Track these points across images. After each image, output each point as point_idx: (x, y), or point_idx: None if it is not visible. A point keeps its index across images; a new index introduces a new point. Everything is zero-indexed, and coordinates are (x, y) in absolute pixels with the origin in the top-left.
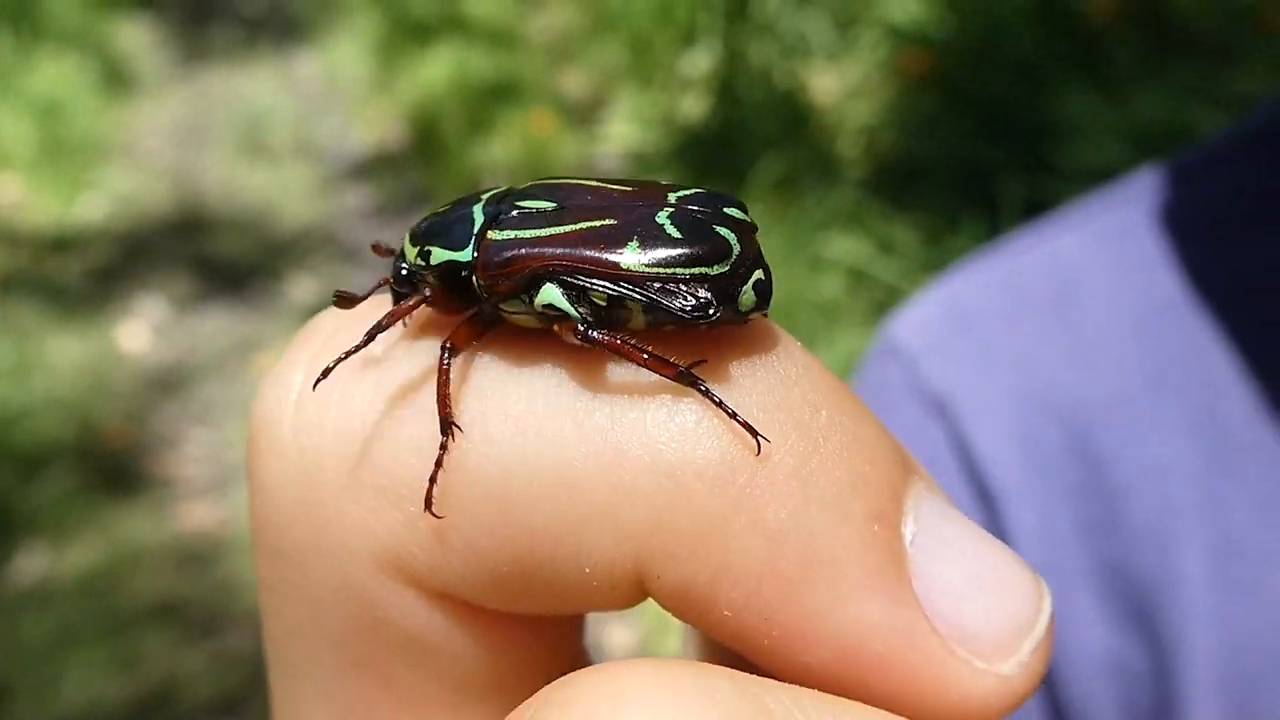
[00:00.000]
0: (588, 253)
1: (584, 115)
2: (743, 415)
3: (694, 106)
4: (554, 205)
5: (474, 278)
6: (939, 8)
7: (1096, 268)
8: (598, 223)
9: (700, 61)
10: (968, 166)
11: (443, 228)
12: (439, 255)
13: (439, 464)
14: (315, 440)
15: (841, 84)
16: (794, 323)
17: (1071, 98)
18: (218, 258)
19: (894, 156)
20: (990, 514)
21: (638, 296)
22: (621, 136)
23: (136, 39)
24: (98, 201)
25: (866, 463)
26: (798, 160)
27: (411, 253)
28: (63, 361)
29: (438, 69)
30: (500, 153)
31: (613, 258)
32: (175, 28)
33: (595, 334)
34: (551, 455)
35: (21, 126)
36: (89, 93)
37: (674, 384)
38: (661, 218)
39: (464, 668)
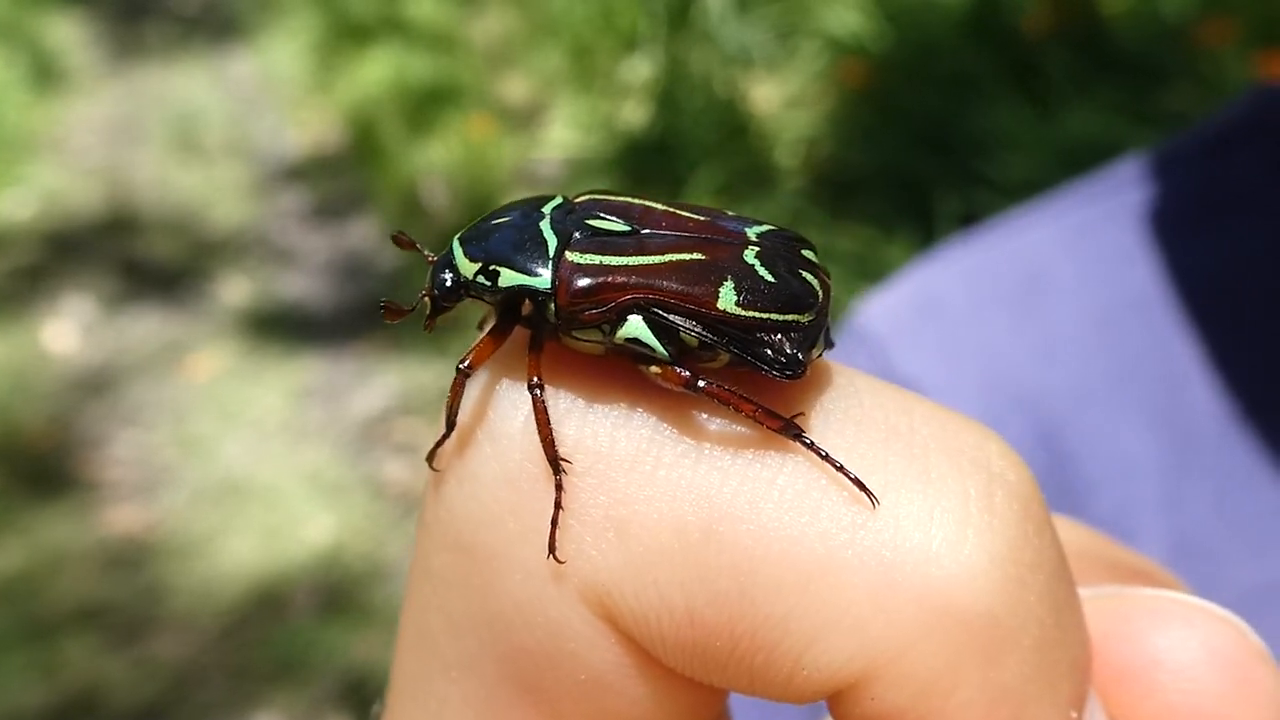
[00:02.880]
0: (684, 289)
1: (524, 120)
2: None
3: (634, 113)
4: (628, 228)
5: (550, 303)
6: (877, 21)
7: (1065, 261)
8: (687, 256)
9: (641, 69)
10: (904, 178)
11: (509, 245)
12: (510, 278)
13: (559, 504)
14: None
15: (781, 94)
16: None
17: (1005, 113)
18: (148, 257)
19: (832, 166)
20: None
21: (730, 348)
22: (561, 142)
23: (68, 34)
24: (25, 199)
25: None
26: (737, 168)
27: (470, 269)
28: None
29: (376, 71)
30: (439, 157)
31: (709, 298)
32: (108, 24)
33: (703, 383)
34: (819, 544)
35: None
36: (17, 88)
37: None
38: (750, 257)
39: (632, 714)
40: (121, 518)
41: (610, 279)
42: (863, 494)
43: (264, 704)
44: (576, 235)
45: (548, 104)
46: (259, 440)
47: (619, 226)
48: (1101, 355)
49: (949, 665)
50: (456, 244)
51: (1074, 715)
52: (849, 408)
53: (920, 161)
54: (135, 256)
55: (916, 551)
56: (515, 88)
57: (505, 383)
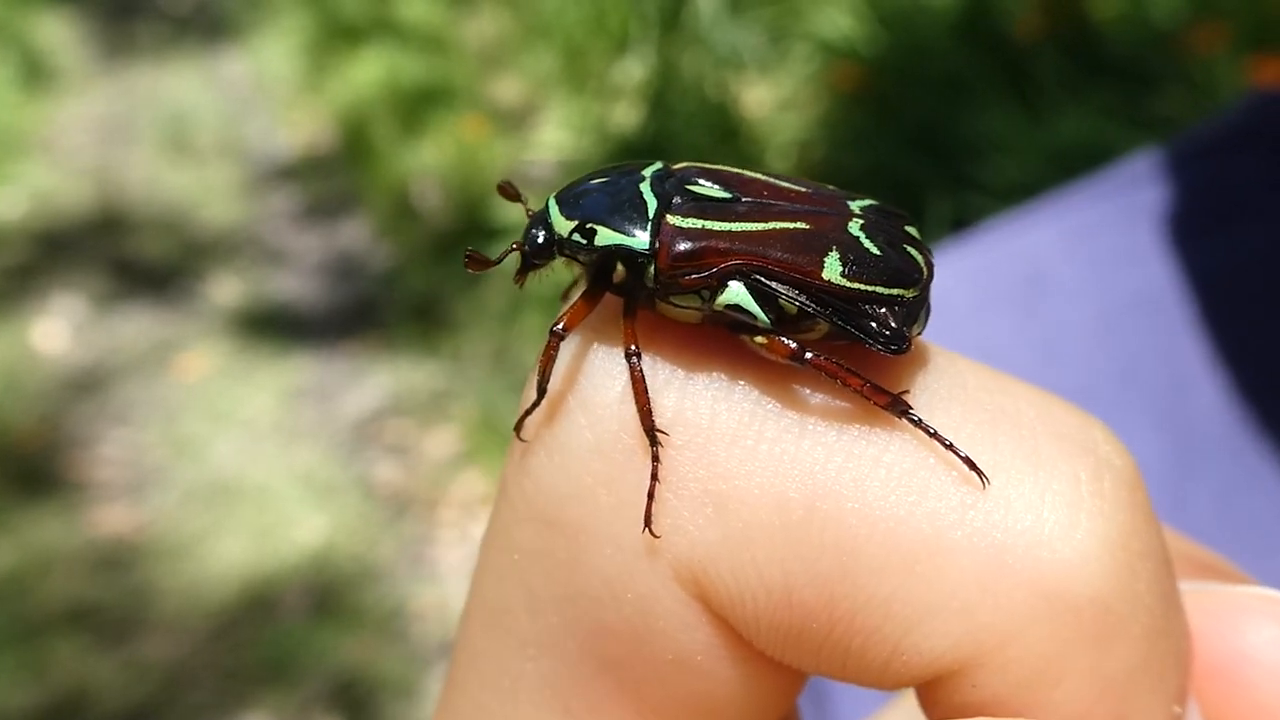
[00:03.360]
0: (788, 257)
1: (516, 122)
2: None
3: (626, 115)
4: (729, 195)
5: (650, 266)
6: (869, 24)
7: (1066, 262)
8: (790, 225)
9: (633, 71)
10: (895, 181)
11: (608, 205)
12: (608, 237)
13: (655, 477)
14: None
15: (773, 97)
16: None
17: (997, 116)
18: (139, 257)
19: (824, 169)
20: None
21: (834, 319)
22: (553, 144)
23: (59, 33)
24: (16, 198)
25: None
26: None
27: (565, 226)
28: None
29: (368, 72)
30: (431, 157)
31: (814, 267)
32: (98, 23)
33: (810, 355)
34: (926, 524)
35: None
36: (8, 87)
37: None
38: (855, 229)
39: (716, 696)
40: (111, 518)
41: (713, 243)
42: (973, 473)
43: (254, 705)
44: (677, 199)
45: (540, 105)
46: (250, 441)
47: (720, 193)
48: (1103, 356)
49: (1058, 653)
50: (553, 201)
51: (1177, 710)
52: (954, 388)
53: (912, 165)
54: (126, 256)
55: (1028, 535)
56: (507, 89)
57: (600, 349)
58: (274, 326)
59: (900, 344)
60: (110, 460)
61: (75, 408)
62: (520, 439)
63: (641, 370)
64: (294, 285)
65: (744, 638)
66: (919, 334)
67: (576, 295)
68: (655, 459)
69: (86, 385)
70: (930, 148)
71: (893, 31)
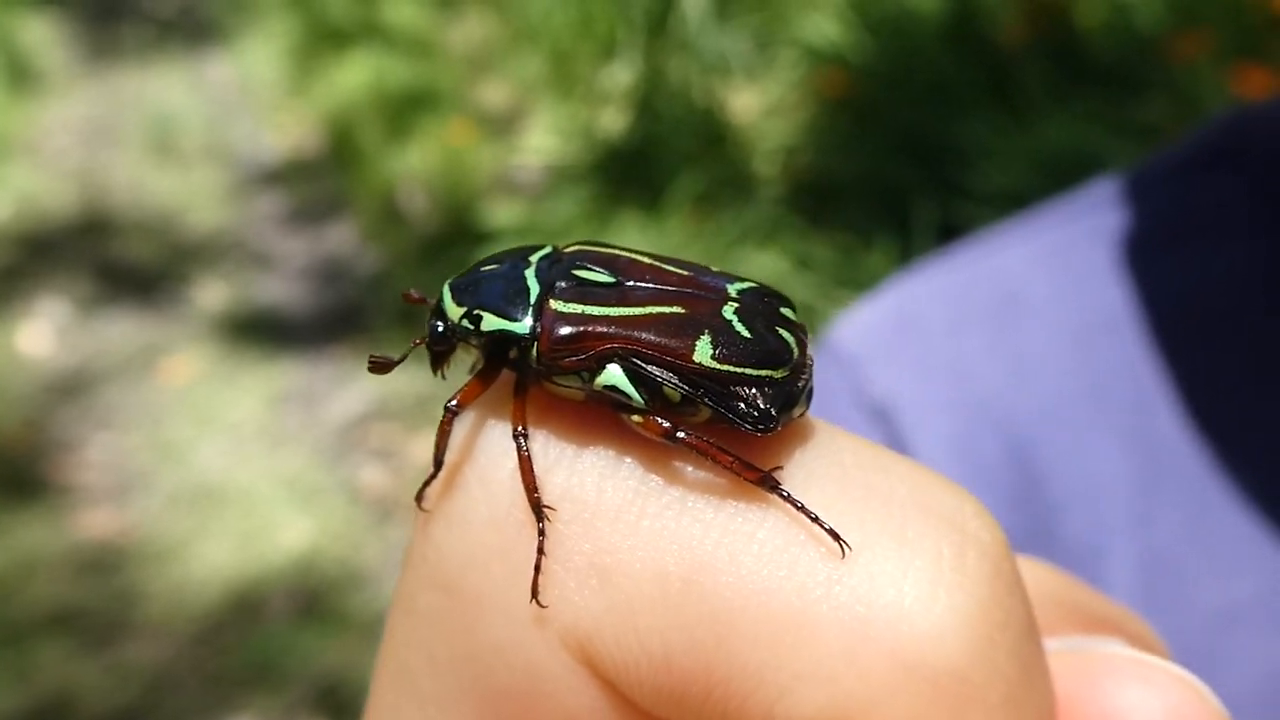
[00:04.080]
0: (662, 340)
1: (503, 126)
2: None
3: (613, 121)
4: (612, 279)
5: (532, 349)
6: (856, 31)
7: (1040, 281)
8: (667, 309)
9: (620, 76)
10: (882, 186)
11: (493, 292)
12: (492, 323)
13: (541, 550)
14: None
15: (760, 102)
16: None
17: (983, 122)
18: (124, 260)
19: (811, 175)
20: None
21: (706, 400)
22: (540, 149)
23: (43, 35)
24: (1, 201)
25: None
26: (716, 177)
27: (456, 313)
28: None
29: (354, 76)
30: (418, 162)
31: (686, 350)
32: (83, 25)
33: (682, 434)
34: (795, 597)
35: None
36: None
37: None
38: (729, 313)
39: None
40: (96, 521)
41: (592, 328)
42: (836, 544)
43: (239, 709)
44: (561, 284)
45: (527, 110)
46: (235, 444)
47: (603, 277)
48: (1074, 375)
49: (916, 716)
50: (447, 289)
51: None
52: (830, 466)
53: (899, 170)
54: (111, 259)
55: (889, 608)
56: (494, 93)
57: (494, 425)
58: (260, 331)
59: (768, 424)
60: (95, 464)
61: (60, 411)
62: (421, 509)
63: (528, 450)
64: (280, 289)
65: (630, 700)
66: (801, 414)
67: (473, 373)
68: (542, 533)
69: (71, 389)
70: (917, 153)
71: (879, 38)
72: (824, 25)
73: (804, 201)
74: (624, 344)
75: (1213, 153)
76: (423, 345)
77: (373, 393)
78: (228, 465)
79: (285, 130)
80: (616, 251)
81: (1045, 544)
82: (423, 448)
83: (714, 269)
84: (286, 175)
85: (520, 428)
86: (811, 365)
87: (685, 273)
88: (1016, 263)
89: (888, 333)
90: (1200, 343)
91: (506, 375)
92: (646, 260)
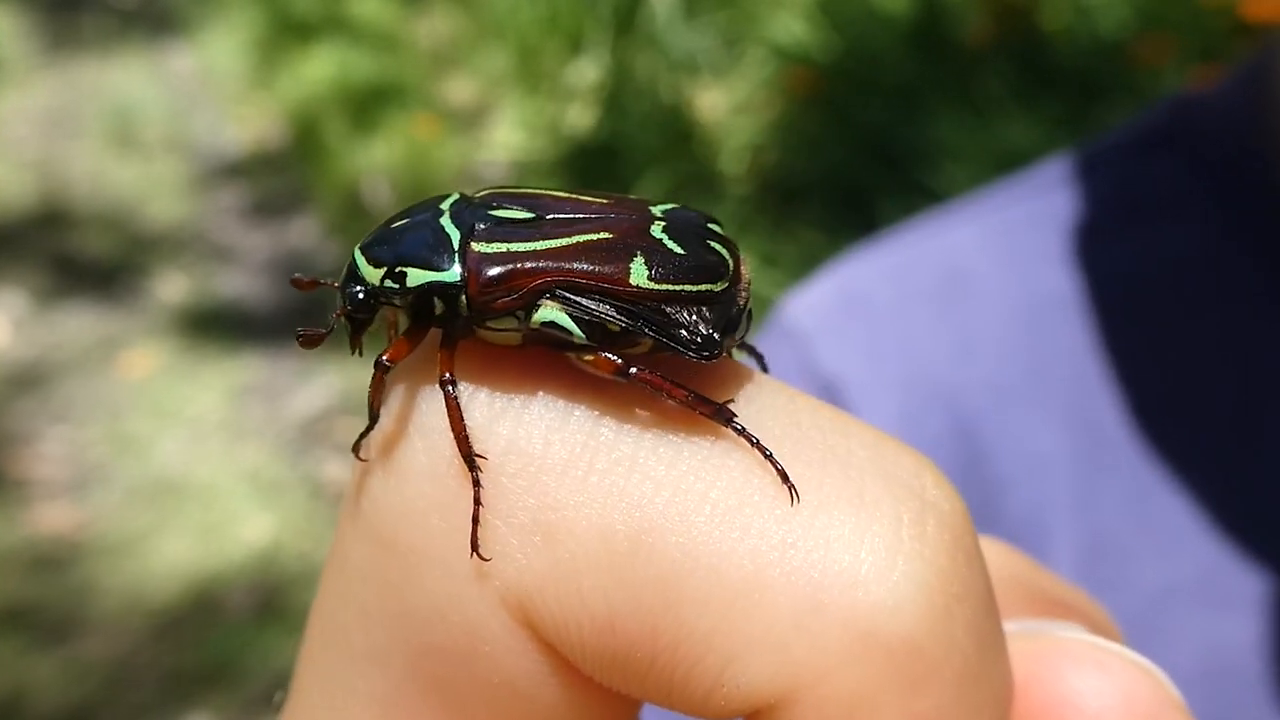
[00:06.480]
0: (594, 268)
1: (469, 121)
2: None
3: (580, 117)
4: (532, 214)
5: (461, 297)
6: (823, 30)
7: (986, 261)
8: (594, 235)
9: (587, 72)
10: (848, 185)
11: (411, 246)
12: (419, 277)
13: (478, 501)
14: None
15: (727, 101)
16: None
17: (947, 123)
18: (83, 252)
19: (777, 174)
20: None
21: (646, 329)
22: (506, 144)
23: (2, 25)
24: None
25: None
26: (682, 174)
27: (374, 275)
28: None
29: (319, 69)
30: (382, 156)
31: (621, 274)
32: (43, 15)
33: (634, 370)
34: (747, 561)
35: None
36: None
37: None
38: (658, 231)
39: (540, 717)
40: (52, 516)
41: (520, 264)
42: (789, 497)
43: (197, 705)
44: (479, 226)
45: (493, 105)
46: (196, 439)
47: (522, 214)
48: (1019, 354)
49: (870, 692)
50: (358, 252)
51: None
52: (787, 426)
53: (864, 170)
54: (69, 251)
55: (844, 575)
56: (460, 88)
57: (431, 376)
58: (221, 324)
59: (712, 349)
60: (51, 458)
61: (16, 404)
62: (359, 459)
63: (456, 398)
64: (241, 283)
65: (571, 663)
66: (740, 340)
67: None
68: (477, 483)
69: (28, 382)
70: (882, 153)
71: (846, 38)
72: (791, 24)
73: (770, 200)
74: (556, 276)
75: (1157, 136)
76: (343, 317)
77: (335, 387)
78: (188, 460)
79: (248, 122)
80: (529, 189)
81: (990, 521)
82: None
83: (633, 196)
84: (249, 168)
85: (447, 374)
86: (749, 282)
87: (605, 200)
88: (964, 242)
89: (837, 309)
90: (1143, 324)
91: (435, 332)
92: (563, 194)
